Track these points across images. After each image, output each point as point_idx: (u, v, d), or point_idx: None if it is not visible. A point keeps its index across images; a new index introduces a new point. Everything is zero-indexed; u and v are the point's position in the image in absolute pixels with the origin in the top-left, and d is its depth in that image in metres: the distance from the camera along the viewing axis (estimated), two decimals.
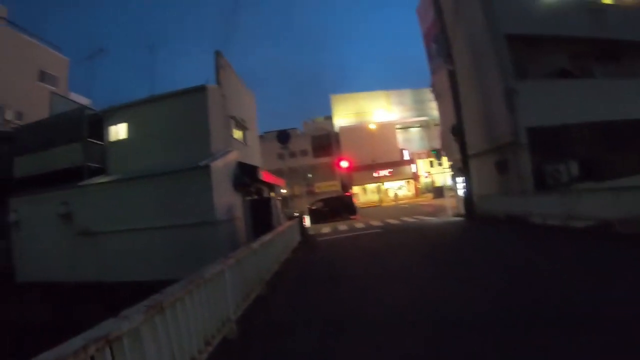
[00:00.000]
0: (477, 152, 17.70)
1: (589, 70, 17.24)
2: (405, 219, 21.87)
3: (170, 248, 13.11)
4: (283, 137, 21.05)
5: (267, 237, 8.74)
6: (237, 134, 19.65)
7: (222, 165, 14.91)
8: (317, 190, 44.09)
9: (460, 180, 19.21)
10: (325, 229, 21.65)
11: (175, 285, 3.80)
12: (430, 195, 44.27)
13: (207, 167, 13.58)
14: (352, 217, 27.76)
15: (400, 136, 50.40)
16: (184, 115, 15.93)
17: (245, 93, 22.69)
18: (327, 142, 48.18)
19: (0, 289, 14.81)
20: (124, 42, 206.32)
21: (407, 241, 12.75)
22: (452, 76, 17.67)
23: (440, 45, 19.17)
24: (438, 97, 22.63)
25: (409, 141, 51.48)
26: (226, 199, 14.71)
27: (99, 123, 17.11)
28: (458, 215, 18.96)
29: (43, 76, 26.02)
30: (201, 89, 16.07)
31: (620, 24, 17.35)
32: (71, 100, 23.29)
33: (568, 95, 15.42)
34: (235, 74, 20.52)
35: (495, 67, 15.77)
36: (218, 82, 17.62)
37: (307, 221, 19.75)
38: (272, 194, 19.56)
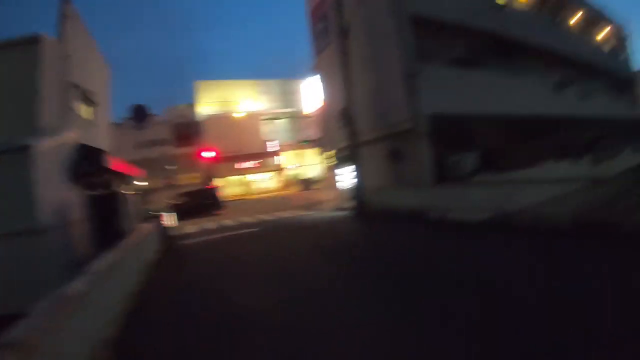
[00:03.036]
0: (367, 139, 16.31)
1: (486, 63, 17.62)
2: (279, 214, 19.99)
3: None
4: (139, 113, 16.86)
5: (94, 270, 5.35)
6: (84, 110, 14.94)
7: (53, 148, 10.64)
8: (179, 183, 40.13)
9: (342, 170, 17.70)
10: (191, 228, 18.65)
11: None
12: (297, 187, 44.13)
13: (25, 149, 9.31)
14: (217, 212, 25.53)
15: (266, 127, 48.96)
16: (4, 76, 11.06)
17: (98, 60, 17.63)
18: (190, 130, 44.19)
19: None
20: None
21: (304, 247, 10.60)
22: (345, 54, 15.87)
23: (331, 21, 17.31)
24: (322, 80, 20.83)
25: (276, 132, 50.63)
26: (59, 195, 10.49)
27: None
28: (340, 209, 17.41)
29: None
30: (32, 41, 11.37)
31: (517, 24, 18.65)
32: None
33: (470, 85, 15.48)
34: (86, 31, 15.58)
35: (396, 48, 14.81)
36: (61, 36, 12.85)
37: (169, 220, 16.25)
38: (127, 187, 15.39)
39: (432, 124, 13.88)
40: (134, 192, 16.53)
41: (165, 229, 14.59)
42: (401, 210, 13.50)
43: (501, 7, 18.31)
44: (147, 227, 11.07)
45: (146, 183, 27.36)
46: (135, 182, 17.77)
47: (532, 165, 15.61)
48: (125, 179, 15.74)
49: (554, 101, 20.04)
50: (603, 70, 29.56)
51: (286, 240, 11.88)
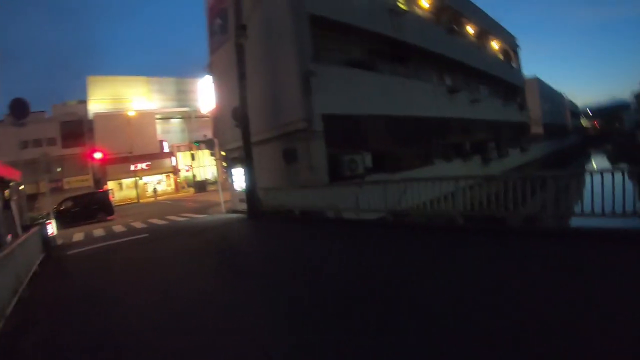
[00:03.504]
0: (261, 139, 15.60)
1: (383, 66, 17.86)
2: (172, 217, 18.69)
3: None
4: (18, 108, 14.51)
5: None
6: None
7: None
8: (66, 187, 36.82)
9: (236, 171, 16.86)
10: (78, 235, 16.78)
11: None
12: (191, 190, 42.76)
13: None
14: (109, 217, 23.49)
15: (160, 127, 46.32)
16: None
17: None
18: (79, 129, 40.22)
19: None
20: None
21: (190, 251, 9.86)
22: (241, 51, 14.97)
23: (229, 18, 16.40)
24: (217, 78, 19.78)
25: (169, 132, 48.14)
26: None
27: None
28: (235, 211, 16.58)
29: None
30: None
31: (413, 30, 19.17)
32: None
33: (366, 86, 15.53)
34: None
35: (294, 47, 14.31)
36: None
37: (52, 227, 14.33)
38: (6, 193, 13.20)
39: (326, 123, 13.62)
40: (13, 198, 14.24)
41: (48, 238, 12.70)
42: (296, 210, 13.10)
43: (400, 13, 18.66)
44: (27, 236, 9.34)
45: (27, 187, 24.34)
46: (14, 186, 15.30)
47: (425, 164, 15.98)
48: (4, 183, 13.38)
49: (447, 105, 20.93)
50: (495, 78, 31.88)
51: (174, 247, 10.85)
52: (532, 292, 4.38)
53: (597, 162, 63.37)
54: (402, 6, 19.52)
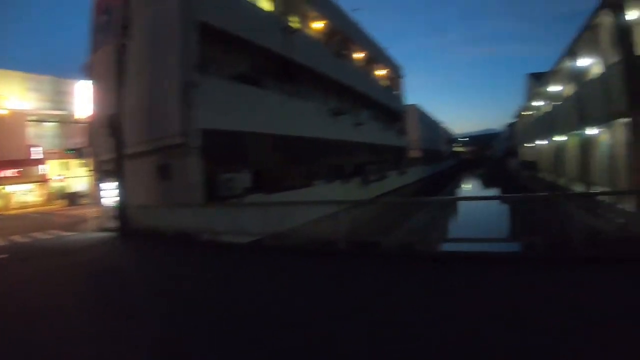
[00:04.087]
0: (137, 151, 14.74)
1: (270, 84, 17.95)
2: (38, 235, 16.50)
3: None
4: None
5: None
6: None
7: None
8: None
9: (108, 185, 15.70)
10: None
11: None
12: (63, 202, 38.81)
13: None
14: None
15: (32, 130, 41.01)
16: None
17: None
18: None
19: None
20: None
21: (44, 278, 8.69)
22: (122, 53, 14.12)
23: (115, 15, 15.31)
24: (95, 81, 18.34)
25: (43, 137, 42.61)
26: None
27: None
28: (105, 229, 15.29)
29: None
30: None
31: (303, 50, 19.57)
32: None
33: (250, 103, 15.39)
34: None
35: (178, 55, 13.68)
36: None
37: None
38: None
39: (206, 139, 13.16)
40: None
41: None
42: (171, 231, 12.37)
43: (292, 32, 19.08)
44: None
45: None
46: None
47: (306, 185, 16.38)
48: None
49: (330, 126, 21.81)
50: (378, 103, 34.07)
51: (35, 272, 9.47)
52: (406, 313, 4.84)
53: (470, 185, 70.94)
54: (294, 25, 20.06)
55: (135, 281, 8.10)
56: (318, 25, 24.13)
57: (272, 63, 18.25)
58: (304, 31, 21.76)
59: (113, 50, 14.84)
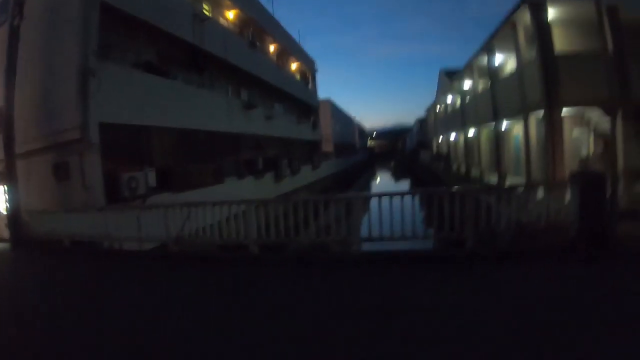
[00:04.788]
0: (30, 149, 13.35)
1: (178, 73, 17.10)
2: None
3: None
4: None
5: None
6: None
7: None
8: None
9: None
10: None
11: None
12: None
13: None
14: None
15: None
16: None
17: None
18: None
19: None
20: None
21: None
22: (14, 36, 12.50)
23: None
24: None
25: None
26: None
27: None
28: None
29: None
30: None
31: (215, 39, 18.93)
32: None
33: (156, 94, 14.38)
34: None
35: (76, 38, 12.32)
36: None
37: None
38: None
39: (106, 134, 12.20)
40: None
41: None
42: (69, 239, 11.29)
43: (204, 19, 18.32)
44: None
45: None
46: None
47: (217, 182, 15.99)
48: None
49: (243, 120, 21.52)
50: (291, 97, 34.21)
51: None
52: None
53: (381, 178, 73.79)
54: (206, 12, 19.44)
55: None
56: (231, 14, 23.67)
57: (181, 52, 17.45)
58: (216, 19, 21.22)
59: (3, 32, 13.21)
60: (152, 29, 15.12)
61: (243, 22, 25.14)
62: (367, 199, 8.16)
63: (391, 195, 7.28)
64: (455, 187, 7.60)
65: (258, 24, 26.82)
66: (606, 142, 16.56)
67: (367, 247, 7.63)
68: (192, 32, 17.30)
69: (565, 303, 4.51)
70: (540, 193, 7.34)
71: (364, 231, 7.56)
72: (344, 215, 7.75)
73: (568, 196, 6.78)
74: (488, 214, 7.12)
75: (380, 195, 7.33)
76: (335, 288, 5.83)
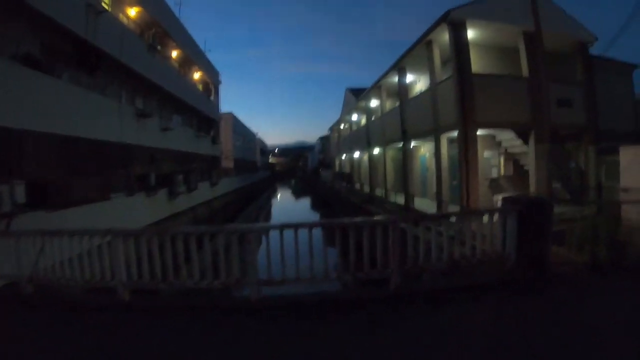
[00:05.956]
0: None
1: (64, 71, 15.11)
2: None
3: None
4: None
5: None
6: None
7: None
8: None
9: None
10: None
11: None
12: None
13: None
14: None
15: None
16: None
17: None
18: None
19: None
20: None
21: None
22: None
23: None
24: None
25: None
26: None
27: None
28: None
29: None
30: None
31: (110, 36, 17.40)
32: None
33: (34, 92, 12.47)
34: None
35: None
36: None
37: None
38: None
39: None
40: None
41: None
42: None
43: (100, 12, 16.52)
44: None
45: None
46: None
47: (102, 198, 14.22)
48: None
49: (136, 130, 19.88)
50: (191, 108, 32.67)
51: None
52: None
53: (282, 195, 73.48)
54: (105, 5, 17.62)
55: None
56: (133, 11, 21.92)
57: (69, 46, 15.43)
58: (114, 15, 19.43)
59: None
60: (35, 14, 13.12)
61: (146, 23, 23.46)
62: (266, 231, 6.54)
63: (296, 227, 6.03)
64: (378, 216, 7.11)
65: (162, 27, 25.24)
66: (515, 163, 17.90)
67: (266, 291, 6.19)
68: (85, 25, 15.44)
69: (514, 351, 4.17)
70: (472, 221, 7.00)
71: (261, 272, 6.17)
72: (236, 251, 6.12)
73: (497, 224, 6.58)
74: (415, 247, 6.32)
75: (282, 228, 6.04)
76: (222, 346, 4.73)
